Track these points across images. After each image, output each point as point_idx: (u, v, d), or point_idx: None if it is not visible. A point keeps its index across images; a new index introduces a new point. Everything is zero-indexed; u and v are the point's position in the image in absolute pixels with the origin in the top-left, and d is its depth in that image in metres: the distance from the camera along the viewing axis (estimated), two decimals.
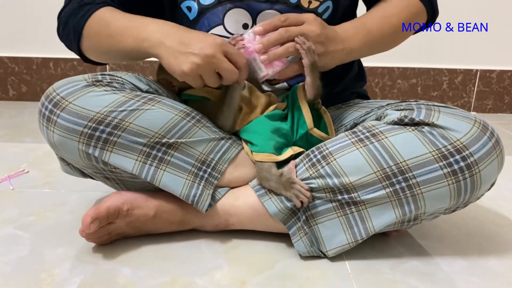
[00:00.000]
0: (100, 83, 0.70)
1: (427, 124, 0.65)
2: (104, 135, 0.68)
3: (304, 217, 0.69)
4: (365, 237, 0.67)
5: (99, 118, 0.67)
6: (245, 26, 0.78)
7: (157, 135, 0.69)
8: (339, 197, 0.67)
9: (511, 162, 1.18)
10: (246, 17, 0.77)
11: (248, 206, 0.72)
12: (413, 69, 1.72)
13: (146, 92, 0.74)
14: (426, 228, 0.80)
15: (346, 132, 0.70)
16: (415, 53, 1.69)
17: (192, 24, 0.80)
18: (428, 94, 1.75)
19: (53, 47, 1.72)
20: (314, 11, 0.77)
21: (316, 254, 0.70)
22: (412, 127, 0.66)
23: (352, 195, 0.66)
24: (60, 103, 0.68)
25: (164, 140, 0.69)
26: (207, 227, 0.75)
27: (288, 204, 0.69)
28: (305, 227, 0.69)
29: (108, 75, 0.72)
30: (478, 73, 1.73)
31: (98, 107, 0.68)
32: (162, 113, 0.70)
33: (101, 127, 0.67)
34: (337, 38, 0.73)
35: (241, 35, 0.72)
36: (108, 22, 0.72)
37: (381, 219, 0.66)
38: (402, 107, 0.70)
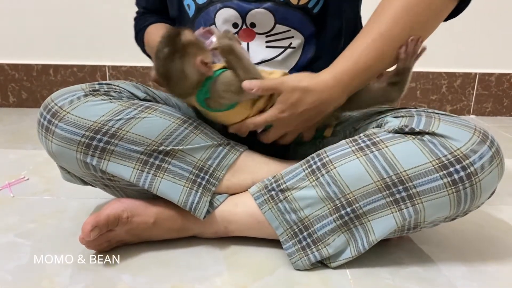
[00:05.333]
0: (97, 92, 0.71)
1: (428, 133, 0.65)
2: (101, 144, 0.68)
3: (309, 240, 0.68)
4: (367, 248, 0.67)
5: (96, 127, 0.68)
6: (235, 26, 0.78)
7: (154, 143, 0.69)
8: (342, 212, 0.66)
9: (511, 165, 1.18)
10: (235, 17, 0.78)
11: (247, 214, 0.72)
12: (412, 73, 1.72)
13: (144, 100, 0.74)
14: (426, 233, 0.80)
15: (347, 140, 0.69)
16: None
17: (192, 22, 0.82)
18: (427, 98, 1.75)
19: (53, 54, 1.73)
20: (304, 7, 0.77)
21: (316, 265, 0.70)
22: (413, 136, 0.65)
23: (354, 206, 0.66)
24: (58, 113, 0.68)
25: (161, 148, 0.70)
26: (207, 234, 0.75)
27: (288, 218, 0.69)
28: (307, 250, 0.68)
29: (106, 84, 0.73)
30: (477, 76, 1.74)
31: (95, 117, 0.68)
32: (159, 121, 0.70)
33: (98, 136, 0.68)
34: (312, 92, 0.69)
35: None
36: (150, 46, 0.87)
37: (382, 229, 0.66)
38: (402, 114, 0.70)
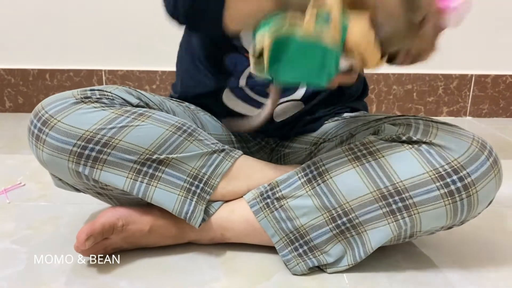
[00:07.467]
0: (89, 99, 0.69)
1: (425, 142, 0.65)
2: (93, 153, 0.67)
3: (306, 248, 0.69)
4: (364, 257, 0.68)
5: (88, 136, 0.66)
6: None
7: (148, 151, 0.68)
8: (339, 222, 0.66)
9: (508, 166, 1.18)
10: None
11: (243, 221, 0.72)
12: (409, 75, 1.72)
13: (137, 106, 0.73)
14: (423, 236, 0.80)
15: (343, 148, 0.69)
16: None
17: None
18: (424, 100, 1.75)
19: (49, 59, 1.73)
20: None
21: (314, 270, 0.70)
22: (410, 145, 0.65)
23: (350, 216, 0.66)
24: (49, 122, 0.67)
25: (154, 156, 0.69)
26: (203, 241, 0.75)
27: (284, 226, 0.69)
28: (303, 256, 0.69)
29: (98, 90, 0.71)
30: (473, 78, 1.74)
31: (87, 125, 0.67)
32: (152, 129, 0.69)
33: (91, 145, 0.67)
34: None
35: None
36: None
37: (378, 238, 0.66)
38: (399, 122, 0.70)
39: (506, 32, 1.72)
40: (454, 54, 1.73)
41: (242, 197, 0.73)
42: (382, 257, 0.73)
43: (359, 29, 0.54)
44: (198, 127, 0.75)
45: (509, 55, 1.74)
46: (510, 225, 0.86)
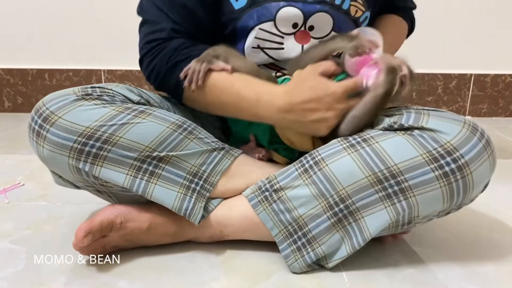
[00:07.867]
0: (90, 96, 0.70)
1: (417, 128, 0.65)
2: (94, 150, 0.67)
3: (304, 240, 0.69)
4: (362, 244, 0.67)
5: (89, 133, 0.67)
6: (295, 26, 0.77)
7: (148, 148, 0.69)
8: (336, 209, 0.67)
9: (507, 166, 1.19)
10: (298, 17, 0.76)
11: (242, 217, 0.72)
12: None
13: (138, 103, 0.73)
14: (422, 235, 0.81)
15: (338, 138, 0.70)
16: (409, 58, 1.70)
17: (235, 14, 0.76)
18: (423, 99, 1.75)
19: (48, 58, 1.73)
20: (357, 19, 0.80)
21: (313, 267, 0.70)
22: (402, 131, 0.66)
23: (347, 202, 0.66)
24: (50, 118, 0.67)
25: (155, 154, 0.69)
26: (202, 239, 0.75)
27: (282, 218, 0.69)
28: (302, 250, 0.69)
29: (99, 87, 0.71)
30: (473, 77, 1.74)
31: (88, 122, 0.67)
32: (153, 126, 0.69)
33: (91, 142, 0.67)
34: None
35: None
36: (220, 91, 0.74)
37: (376, 224, 0.66)
38: (391, 112, 0.71)
39: (506, 32, 1.72)
40: (453, 54, 1.73)
41: (240, 194, 0.74)
42: (382, 257, 0.73)
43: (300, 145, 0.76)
44: (198, 125, 0.76)
45: (509, 54, 1.74)
46: (510, 225, 0.87)
